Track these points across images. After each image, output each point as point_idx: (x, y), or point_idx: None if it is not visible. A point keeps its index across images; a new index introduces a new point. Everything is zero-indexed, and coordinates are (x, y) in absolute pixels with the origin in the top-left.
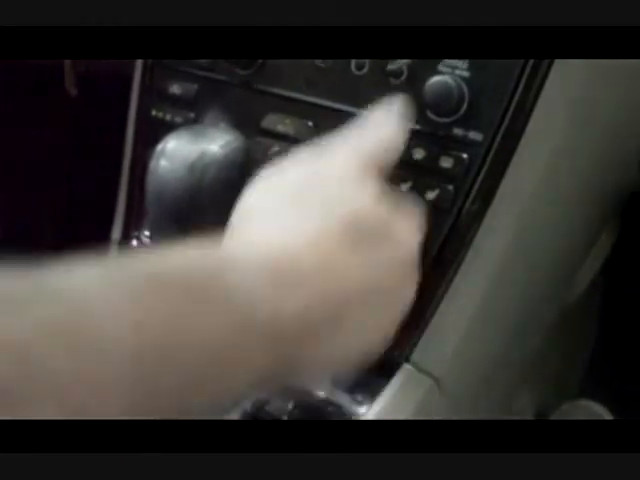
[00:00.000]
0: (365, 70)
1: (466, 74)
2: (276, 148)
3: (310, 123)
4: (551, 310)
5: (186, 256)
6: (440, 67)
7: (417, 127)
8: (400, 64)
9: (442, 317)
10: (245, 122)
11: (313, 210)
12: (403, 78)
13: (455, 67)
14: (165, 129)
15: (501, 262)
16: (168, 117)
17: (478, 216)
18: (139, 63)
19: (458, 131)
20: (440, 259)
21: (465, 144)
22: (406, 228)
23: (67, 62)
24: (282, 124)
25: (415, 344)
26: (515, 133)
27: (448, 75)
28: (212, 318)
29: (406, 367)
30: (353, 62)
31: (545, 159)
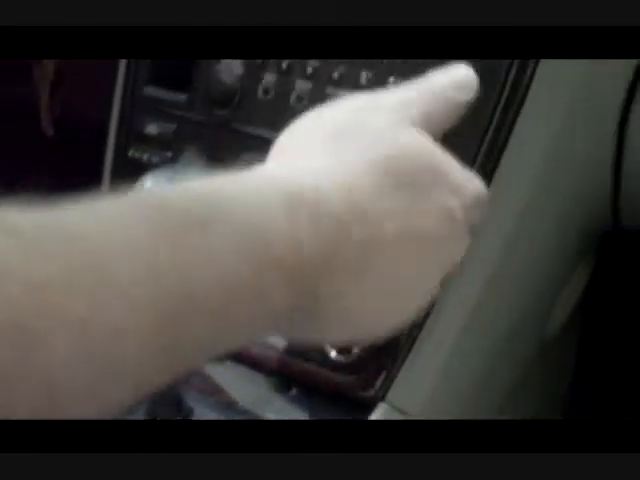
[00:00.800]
0: None
1: None
2: None
3: None
4: (528, 346)
5: (203, 187)
6: None
7: None
8: None
9: (417, 355)
10: (222, 161)
11: (352, 148)
12: None
13: None
14: (142, 169)
15: (476, 299)
16: (145, 157)
17: None
18: (117, 102)
19: None
20: None
21: None
22: (462, 178)
23: (43, 102)
24: (258, 162)
25: (391, 382)
26: (488, 172)
27: None
28: (227, 256)
29: (382, 406)
30: (328, 103)
31: (517, 198)
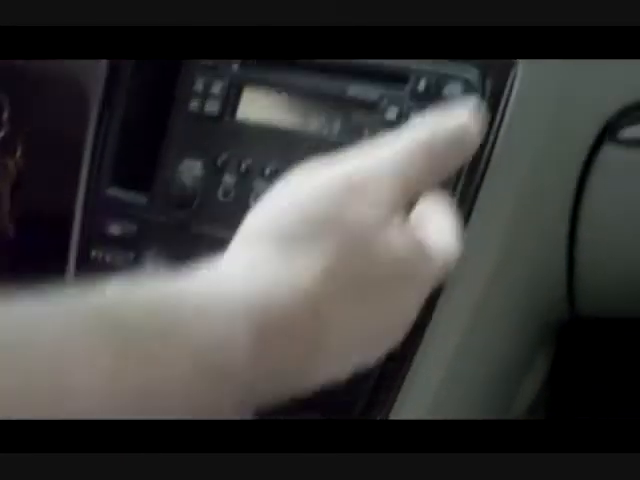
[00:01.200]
0: None
1: None
2: None
3: None
4: None
5: (163, 295)
6: None
7: None
8: None
9: None
10: (183, 262)
11: (321, 249)
12: None
13: None
14: (105, 270)
15: (442, 381)
16: (108, 258)
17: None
18: (79, 203)
19: None
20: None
21: None
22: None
23: (4, 202)
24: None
25: None
26: None
27: None
28: (185, 367)
29: None
30: None
31: (469, 295)
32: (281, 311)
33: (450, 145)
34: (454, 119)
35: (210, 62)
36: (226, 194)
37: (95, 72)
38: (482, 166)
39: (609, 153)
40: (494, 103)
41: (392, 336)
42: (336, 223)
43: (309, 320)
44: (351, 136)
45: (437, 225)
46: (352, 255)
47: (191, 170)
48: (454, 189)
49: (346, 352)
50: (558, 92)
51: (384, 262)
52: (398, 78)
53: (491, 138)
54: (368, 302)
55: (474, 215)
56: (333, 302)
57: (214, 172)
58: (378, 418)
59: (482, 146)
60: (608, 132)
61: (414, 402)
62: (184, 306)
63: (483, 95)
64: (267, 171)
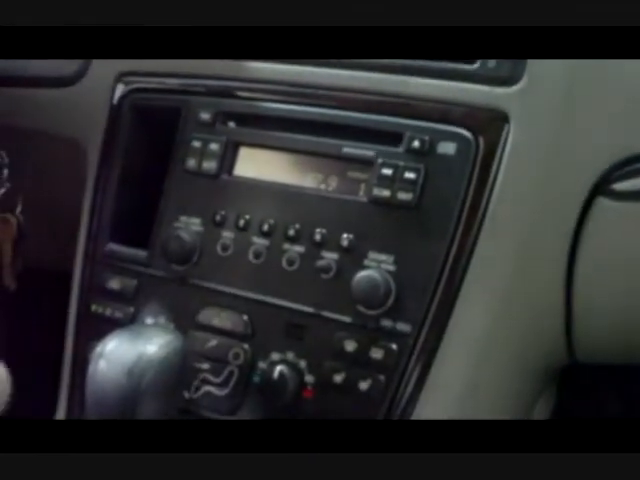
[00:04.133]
0: (296, 266)
1: (392, 268)
2: (213, 342)
3: (245, 317)
4: None
5: None
6: (366, 262)
7: (347, 320)
8: (329, 260)
9: None
10: (182, 316)
11: None
12: (332, 273)
13: (381, 261)
14: (105, 324)
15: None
16: (108, 312)
17: (410, 404)
18: (79, 258)
19: (387, 323)
20: None
21: (394, 335)
22: None
23: (6, 258)
24: (218, 318)
25: None
26: (441, 322)
27: (374, 269)
28: None
29: None
30: (284, 259)
31: (470, 345)
32: None
33: None
34: None
35: (207, 120)
36: (225, 249)
37: (93, 130)
38: (478, 220)
39: (603, 206)
40: (488, 160)
41: None
42: None
43: None
44: (347, 192)
45: None
46: None
47: (190, 226)
48: (452, 242)
49: None
50: (550, 149)
51: None
52: (392, 136)
53: (486, 194)
54: None
55: (472, 268)
56: None
57: (212, 228)
58: None
59: (478, 201)
60: (601, 186)
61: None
62: None
63: (477, 153)
64: (265, 227)
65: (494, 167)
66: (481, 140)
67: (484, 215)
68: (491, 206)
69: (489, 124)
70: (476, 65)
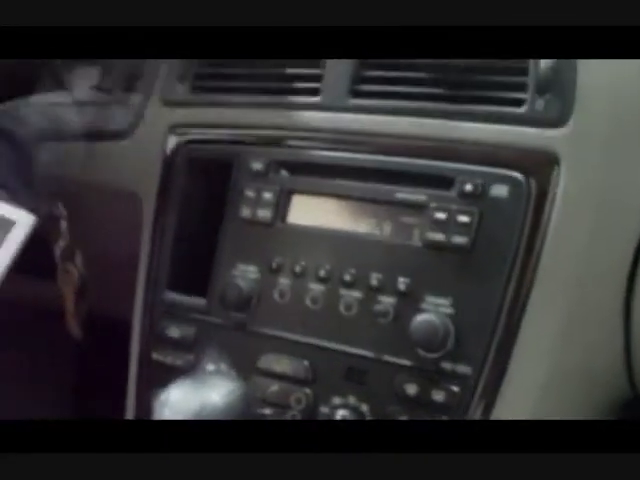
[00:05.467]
0: (354, 311)
1: (449, 311)
2: (275, 387)
3: (306, 362)
4: None
5: None
6: (424, 305)
7: (407, 363)
8: (386, 305)
9: None
10: (243, 363)
11: None
12: (390, 318)
13: (438, 305)
14: (166, 372)
15: None
16: (169, 360)
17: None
18: (138, 307)
19: (447, 365)
20: None
21: (455, 377)
22: None
23: (69, 308)
24: (278, 363)
25: None
26: (501, 363)
27: (432, 313)
28: None
29: None
30: (342, 304)
31: (531, 384)
32: None
33: None
34: None
35: (260, 170)
36: (282, 296)
37: (148, 182)
38: (534, 262)
39: None
40: (540, 202)
41: None
42: None
43: None
44: (401, 237)
45: None
46: None
47: (246, 273)
48: (509, 284)
49: None
50: (601, 190)
51: None
52: (444, 180)
53: (540, 236)
54: None
55: (529, 308)
56: None
57: (269, 275)
58: None
59: (533, 242)
60: None
61: None
62: None
63: (529, 195)
64: (321, 273)
65: (547, 209)
66: (533, 182)
67: (539, 256)
68: (546, 248)
69: (540, 166)
70: (524, 107)
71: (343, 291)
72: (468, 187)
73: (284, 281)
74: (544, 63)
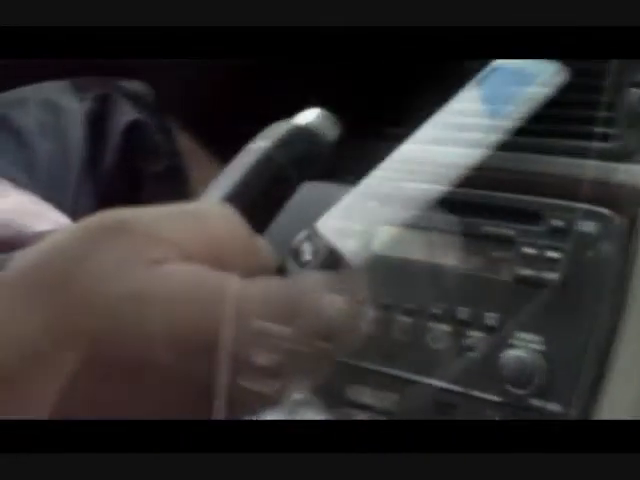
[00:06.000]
0: (442, 344)
1: (539, 347)
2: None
3: (394, 395)
4: None
5: None
6: (513, 341)
7: (496, 399)
8: (475, 339)
9: None
10: (330, 393)
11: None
12: (478, 352)
13: (528, 341)
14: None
15: None
16: (255, 387)
17: None
18: (225, 331)
19: (536, 402)
20: None
21: (544, 414)
22: None
23: None
24: (366, 395)
25: None
26: (592, 401)
27: (522, 349)
28: None
29: None
30: (430, 337)
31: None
32: None
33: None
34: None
35: None
36: (369, 327)
37: None
38: (623, 298)
39: None
40: (629, 240)
41: None
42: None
43: None
44: (489, 271)
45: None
46: None
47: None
48: (599, 320)
49: None
50: None
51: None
52: (531, 215)
53: (628, 271)
54: None
55: (620, 345)
56: None
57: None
58: None
59: (621, 278)
60: None
61: None
62: None
63: (617, 233)
64: (408, 306)
65: (636, 245)
66: (621, 219)
67: (629, 293)
68: (636, 284)
69: (627, 201)
70: (613, 142)
71: (431, 324)
72: (556, 222)
73: (371, 312)
74: (633, 96)
